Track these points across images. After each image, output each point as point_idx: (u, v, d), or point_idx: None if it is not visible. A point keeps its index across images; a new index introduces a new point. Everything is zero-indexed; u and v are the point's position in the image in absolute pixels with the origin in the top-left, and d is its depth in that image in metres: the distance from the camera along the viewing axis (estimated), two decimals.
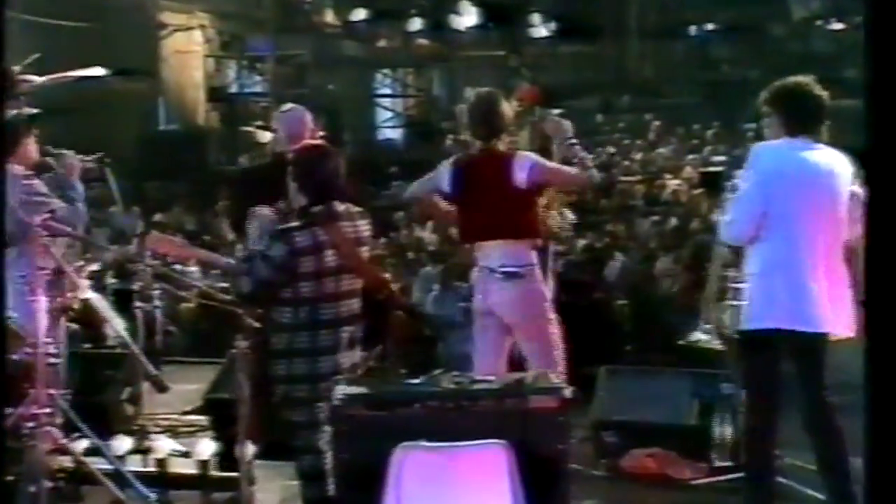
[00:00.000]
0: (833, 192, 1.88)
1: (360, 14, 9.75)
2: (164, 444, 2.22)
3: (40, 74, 2.55)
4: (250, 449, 1.93)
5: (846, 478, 1.82)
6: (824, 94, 1.90)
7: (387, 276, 2.16)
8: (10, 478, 1.76)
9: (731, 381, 2.26)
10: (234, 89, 9.26)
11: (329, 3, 9.94)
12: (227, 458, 2.04)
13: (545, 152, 2.16)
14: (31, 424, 1.84)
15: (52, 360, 2.05)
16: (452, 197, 2.11)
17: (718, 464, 2.24)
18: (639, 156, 9.11)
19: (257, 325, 1.88)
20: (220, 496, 2.05)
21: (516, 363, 2.09)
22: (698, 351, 2.51)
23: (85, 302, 2.08)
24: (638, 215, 5.82)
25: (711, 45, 11.09)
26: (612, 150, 9.00)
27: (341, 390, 1.66)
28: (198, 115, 8.60)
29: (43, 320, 1.90)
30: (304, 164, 1.91)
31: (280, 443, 1.94)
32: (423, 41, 10.58)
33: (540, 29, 10.21)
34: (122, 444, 2.16)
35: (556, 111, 2.46)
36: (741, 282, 1.99)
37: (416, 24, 10.12)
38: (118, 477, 1.93)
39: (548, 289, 2.13)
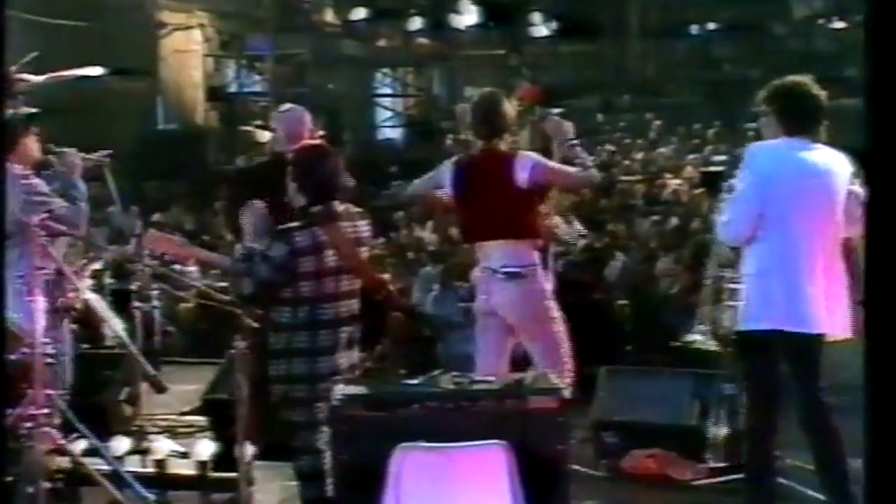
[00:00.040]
0: (830, 192, 1.87)
1: (359, 13, 9.73)
2: (162, 445, 2.21)
3: (38, 73, 2.55)
4: (249, 449, 1.93)
5: (844, 478, 1.83)
6: (822, 93, 1.89)
7: (385, 276, 2.16)
8: (8, 478, 1.75)
9: (727, 382, 2.25)
10: (233, 89, 9.24)
11: (329, 2, 9.92)
12: (225, 458, 2.03)
13: (546, 152, 2.16)
14: (29, 425, 1.84)
15: (58, 359, 2.05)
16: (454, 197, 2.11)
17: (713, 464, 2.23)
18: (639, 155, 9.10)
19: (256, 325, 1.88)
20: (218, 497, 2.05)
21: (519, 364, 2.08)
22: (693, 352, 2.50)
23: (84, 302, 2.07)
24: (638, 215, 5.80)
25: (712, 44, 11.07)
26: (610, 148, 8.97)
27: (340, 391, 1.66)
28: (197, 115, 8.58)
29: (41, 320, 1.90)
30: (303, 163, 1.91)
31: (279, 443, 1.94)
32: (423, 40, 10.56)
33: (540, 28, 10.19)
34: (121, 444, 2.16)
35: (557, 110, 2.46)
36: (738, 282, 1.98)
37: (416, 23, 10.09)
38: (116, 478, 1.93)
39: (550, 288, 2.12)
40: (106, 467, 1.95)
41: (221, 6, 8.76)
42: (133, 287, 2.76)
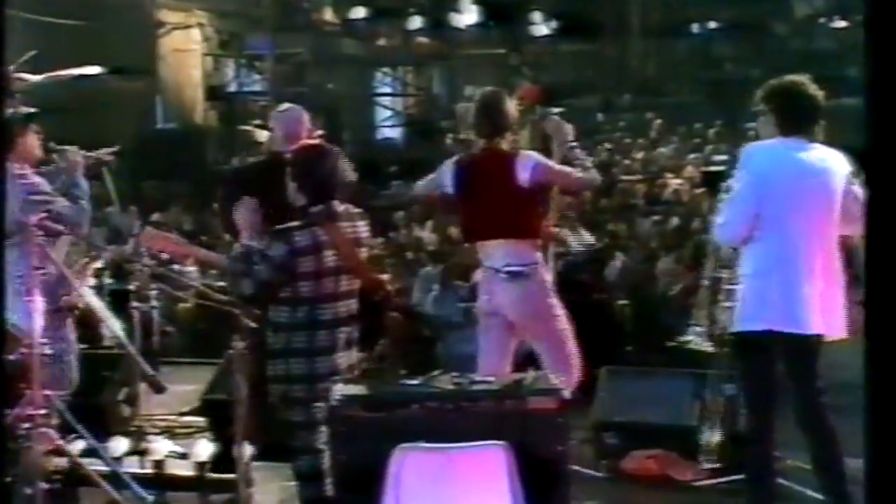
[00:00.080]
0: (827, 191, 1.86)
1: (359, 12, 9.72)
2: (161, 446, 2.21)
3: (37, 72, 2.53)
4: (248, 450, 1.93)
5: (841, 479, 1.82)
6: (819, 92, 1.88)
7: (385, 276, 2.16)
8: (6, 479, 1.74)
9: (725, 383, 2.24)
10: (232, 88, 9.22)
11: (328, 1, 9.91)
12: (224, 459, 2.03)
13: (545, 152, 2.16)
14: (27, 425, 1.83)
15: (63, 358, 2.04)
16: (455, 196, 2.11)
17: (707, 465, 2.23)
18: (640, 155, 9.08)
19: (254, 325, 1.87)
20: (217, 498, 2.04)
21: (521, 364, 2.08)
22: (688, 352, 2.49)
23: (84, 301, 2.07)
24: (639, 215, 5.79)
25: (713, 44, 11.05)
26: (608, 146, 8.94)
27: (339, 391, 1.65)
28: (196, 114, 8.56)
29: (39, 320, 1.89)
30: (303, 163, 1.90)
31: (278, 444, 1.94)
32: (422, 39, 10.56)
33: (541, 27, 10.18)
34: (119, 445, 2.15)
35: (557, 110, 2.45)
36: (735, 283, 1.98)
37: (415, 22, 10.09)
38: (115, 478, 1.92)
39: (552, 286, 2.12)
40: (104, 468, 1.95)
41: (220, 5, 8.75)
42: (131, 287, 2.75)
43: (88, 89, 4.08)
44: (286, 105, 2.45)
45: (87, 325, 2.42)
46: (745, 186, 1.86)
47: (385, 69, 10.94)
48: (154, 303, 2.74)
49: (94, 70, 2.90)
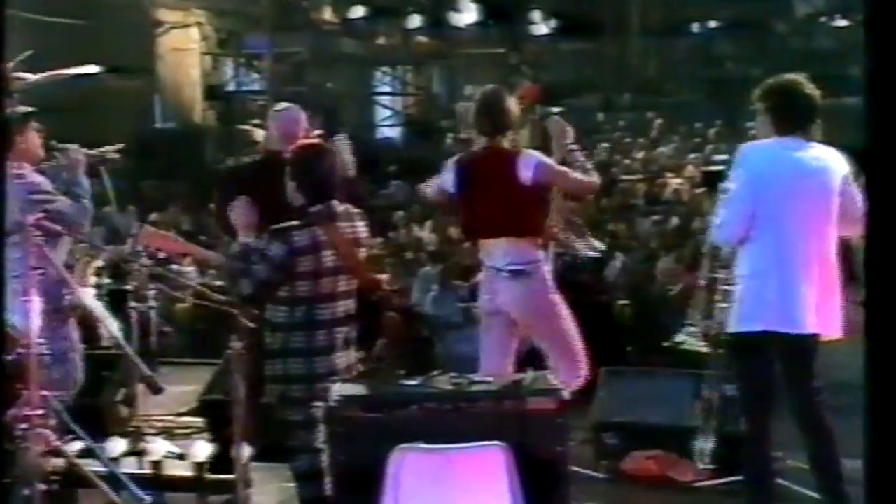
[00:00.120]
0: (824, 191, 1.86)
1: (358, 11, 9.72)
2: (159, 446, 2.20)
3: (34, 72, 2.52)
4: (246, 451, 1.92)
5: (838, 478, 1.82)
6: (816, 92, 1.88)
7: (382, 276, 2.15)
8: (5, 480, 1.73)
9: (721, 383, 2.23)
10: (231, 87, 9.21)
11: (327, 0, 9.90)
12: (222, 459, 2.02)
13: (545, 152, 2.15)
14: (24, 426, 1.82)
15: (67, 356, 2.03)
16: (456, 195, 2.10)
17: (701, 466, 2.22)
18: (640, 154, 9.07)
19: (252, 325, 1.86)
20: (215, 499, 2.04)
21: (524, 364, 2.08)
22: (687, 353, 2.49)
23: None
24: (639, 214, 5.78)
25: (714, 43, 11.03)
26: (604, 145, 8.92)
27: (338, 392, 1.65)
28: (194, 114, 8.55)
29: (36, 321, 1.88)
30: (302, 163, 1.90)
31: (276, 444, 1.93)
32: (422, 38, 10.56)
33: (540, 26, 10.18)
34: (117, 446, 2.15)
35: (557, 109, 2.44)
36: (732, 284, 1.97)
37: (415, 21, 10.10)
38: (113, 479, 1.91)
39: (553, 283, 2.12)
40: (102, 469, 1.94)
41: (219, 4, 8.73)
42: (129, 287, 2.75)
43: (86, 89, 4.07)
44: (283, 104, 2.44)
45: (85, 325, 2.41)
46: (742, 186, 1.86)
47: (384, 68, 10.93)
48: (152, 303, 2.72)
49: (92, 69, 2.88)
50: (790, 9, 10.35)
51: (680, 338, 2.51)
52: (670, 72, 11.08)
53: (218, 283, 2.79)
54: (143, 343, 2.66)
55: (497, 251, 2.06)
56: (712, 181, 2.06)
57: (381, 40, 10.46)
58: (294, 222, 1.83)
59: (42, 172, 2.14)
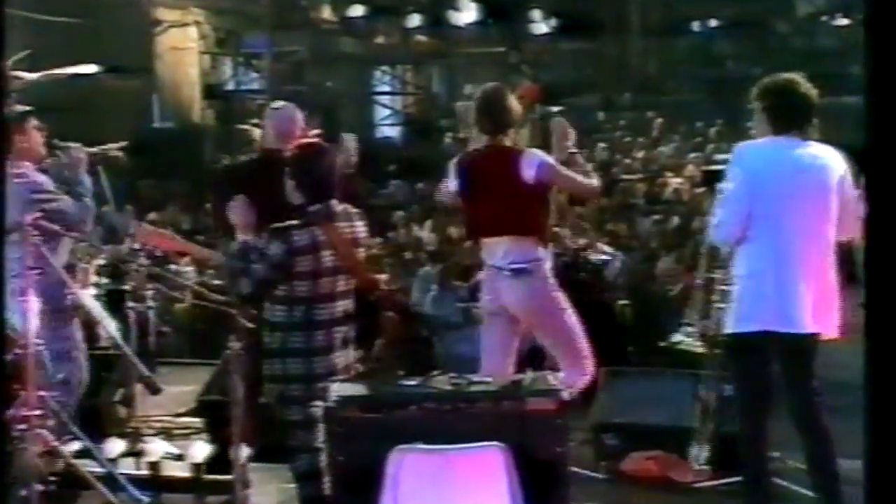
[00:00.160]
0: (821, 190, 1.85)
1: (357, 10, 9.69)
2: (157, 447, 2.20)
3: (32, 71, 2.51)
4: (245, 451, 1.91)
5: (834, 478, 1.82)
6: (813, 91, 1.87)
7: (383, 276, 2.14)
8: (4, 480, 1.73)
9: (718, 384, 2.23)
10: (230, 86, 9.18)
11: None
12: (221, 460, 2.02)
13: (546, 152, 2.14)
14: (21, 426, 1.81)
15: (71, 355, 2.03)
16: (459, 193, 2.10)
17: (696, 467, 2.21)
18: (640, 154, 9.06)
19: (250, 325, 1.85)
20: (214, 499, 2.03)
21: (524, 364, 2.07)
22: (686, 353, 2.48)
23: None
24: (639, 214, 5.77)
25: (715, 42, 10.99)
26: (602, 146, 8.92)
27: (336, 392, 1.64)
28: (193, 113, 8.53)
29: (34, 321, 1.87)
30: (301, 162, 1.89)
31: (275, 445, 1.92)
32: (421, 38, 10.52)
33: (540, 25, 10.15)
34: (115, 446, 2.15)
35: (557, 108, 2.43)
36: (729, 284, 1.97)
37: (414, 20, 10.06)
38: (110, 480, 1.91)
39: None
40: (100, 469, 1.94)
41: (218, 3, 8.71)
42: (127, 287, 2.74)
43: (84, 88, 4.07)
44: (279, 103, 2.44)
45: (84, 325, 2.40)
46: (738, 186, 1.85)
47: (384, 67, 10.91)
48: (150, 303, 2.72)
49: (90, 68, 2.88)
50: (791, 8, 10.32)
51: (677, 338, 2.51)
52: (671, 71, 11.04)
53: (216, 282, 2.78)
54: (142, 343, 2.66)
55: (499, 250, 2.05)
56: (713, 181, 2.05)
57: (380, 39, 10.43)
58: (293, 222, 1.83)
59: (44, 171, 2.14)
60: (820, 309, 1.83)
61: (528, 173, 2.02)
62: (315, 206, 1.84)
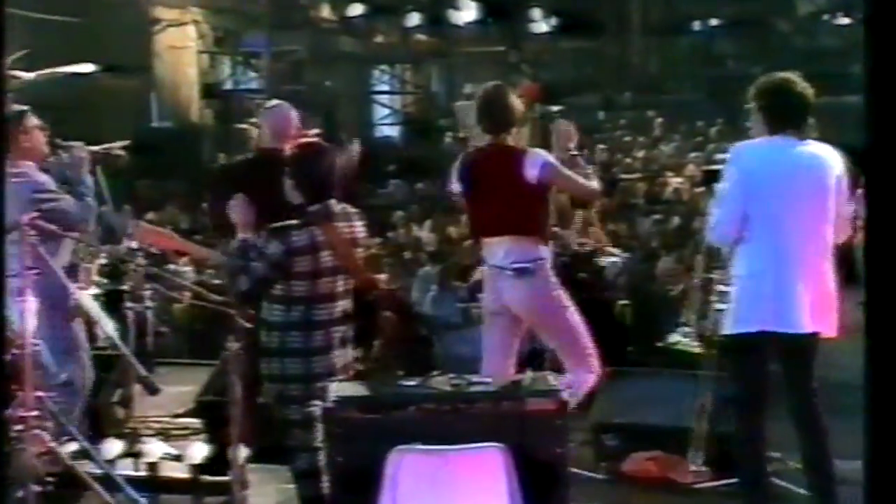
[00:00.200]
0: (818, 189, 1.84)
1: (356, 9, 9.68)
2: (155, 448, 2.19)
3: (30, 70, 2.50)
4: (243, 452, 1.90)
5: (830, 479, 1.82)
6: (809, 90, 1.87)
7: (382, 276, 2.14)
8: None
9: (716, 384, 2.23)
10: (228, 86, 9.17)
11: None
12: (219, 461, 2.01)
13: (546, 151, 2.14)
14: (19, 427, 1.81)
15: (75, 355, 2.03)
16: (462, 193, 2.10)
17: (694, 468, 2.21)
18: (641, 153, 9.05)
19: (248, 325, 1.85)
20: (212, 500, 2.02)
21: (524, 364, 2.07)
22: (677, 353, 2.47)
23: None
24: (639, 214, 5.76)
25: (715, 41, 10.97)
26: (601, 146, 8.92)
27: (335, 392, 1.64)
28: (191, 112, 8.52)
29: (31, 321, 1.87)
30: (301, 162, 1.89)
31: (274, 446, 1.92)
32: (421, 37, 10.52)
33: (540, 24, 10.14)
34: (113, 447, 2.14)
35: (557, 108, 2.43)
36: (727, 284, 1.96)
37: (414, 19, 10.06)
38: (108, 481, 1.90)
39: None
40: (97, 470, 1.92)
41: (216, 2, 8.68)
42: (125, 287, 2.73)
43: (83, 87, 4.05)
44: (274, 102, 2.44)
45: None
46: (733, 185, 1.85)
47: (383, 67, 10.89)
48: (148, 303, 2.71)
49: (88, 67, 2.87)
50: (792, 7, 10.31)
51: (674, 338, 2.49)
52: (671, 70, 11.03)
53: (215, 281, 2.77)
54: (140, 343, 2.66)
55: (500, 250, 2.05)
56: (713, 180, 2.05)
57: (379, 38, 10.43)
58: (292, 221, 1.82)
59: (46, 171, 2.13)
60: (819, 309, 1.83)
61: (531, 173, 2.02)
62: (314, 206, 1.84)
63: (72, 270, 2.16)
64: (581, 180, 2.11)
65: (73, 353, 2.10)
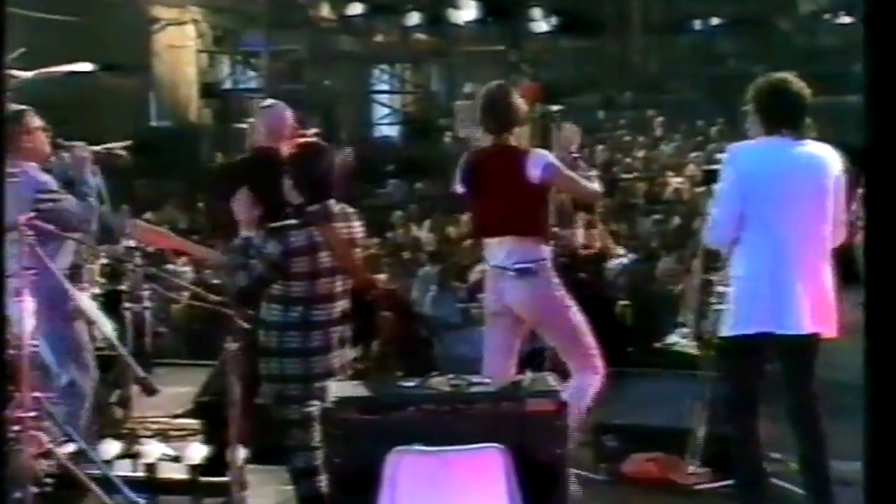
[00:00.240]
0: (815, 189, 1.83)
1: (356, 8, 9.68)
2: (153, 449, 2.19)
3: (28, 69, 2.50)
4: (242, 453, 1.90)
5: (826, 480, 1.82)
6: (805, 90, 1.86)
7: (377, 277, 2.14)
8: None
9: (714, 385, 2.21)
10: (227, 85, 9.17)
11: None
12: (217, 462, 2.00)
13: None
14: (16, 428, 1.80)
15: (78, 355, 2.00)
16: (465, 193, 2.10)
17: (692, 470, 2.20)
18: (641, 153, 9.04)
19: (247, 325, 1.85)
20: (210, 501, 2.02)
21: (525, 365, 2.06)
22: (674, 354, 2.46)
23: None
24: (639, 214, 5.76)
25: (716, 40, 10.95)
26: (601, 147, 8.91)
27: (334, 393, 1.63)
28: (190, 112, 8.52)
29: (29, 321, 1.86)
30: (300, 162, 1.89)
31: (272, 446, 1.91)
32: (420, 36, 10.53)
33: (540, 23, 10.15)
34: (111, 448, 2.14)
35: (557, 107, 2.43)
36: (725, 284, 1.96)
37: (413, 18, 10.06)
38: (106, 482, 1.89)
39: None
40: (96, 471, 1.92)
41: (215, 1, 8.67)
42: (123, 287, 2.72)
43: (81, 86, 4.05)
44: (269, 101, 2.43)
45: None
46: (730, 186, 1.84)
47: (383, 66, 10.89)
48: (146, 303, 2.70)
49: (87, 67, 2.87)
50: (793, 6, 10.29)
51: (672, 339, 2.48)
52: (672, 70, 11.00)
53: (214, 281, 2.76)
54: (138, 344, 2.65)
55: (502, 250, 2.05)
56: (713, 180, 2.05)
57: (379, 38, 10.44)
58: (290, 221, 1.82)
59: (48, 171, 2.12)
60: (817, 309, 1.83)
61: (534, 173, 2.01)
62: (313, 205, 1.84)
63: (76, 271, 2.15)
64: (583, 181, 2.13)
65: (76, 355, 2.09)
